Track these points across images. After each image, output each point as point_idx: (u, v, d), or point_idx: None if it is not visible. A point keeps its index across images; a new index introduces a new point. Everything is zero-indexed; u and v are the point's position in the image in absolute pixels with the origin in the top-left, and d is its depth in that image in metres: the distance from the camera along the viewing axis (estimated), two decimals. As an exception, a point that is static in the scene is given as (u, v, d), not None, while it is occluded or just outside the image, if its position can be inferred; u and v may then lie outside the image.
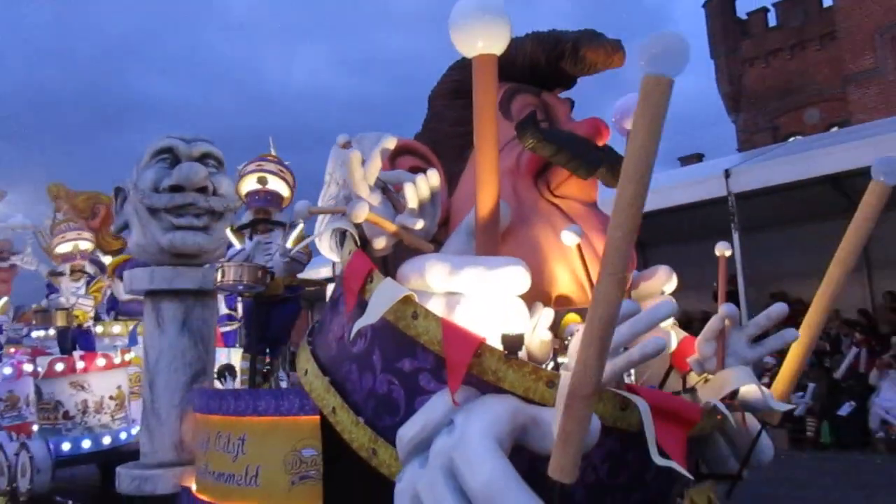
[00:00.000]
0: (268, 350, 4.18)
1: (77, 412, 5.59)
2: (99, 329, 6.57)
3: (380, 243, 2.84)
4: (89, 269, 6.54)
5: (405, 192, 2.81)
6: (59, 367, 5.53)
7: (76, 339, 6.03)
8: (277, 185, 4.02)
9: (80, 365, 5.60)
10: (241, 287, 3.65)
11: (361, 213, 2.67)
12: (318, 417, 2.87)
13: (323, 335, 3.02)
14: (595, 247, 3.04)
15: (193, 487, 3.52)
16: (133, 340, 6.44)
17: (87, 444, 5.58)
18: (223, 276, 3.53)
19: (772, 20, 25.39)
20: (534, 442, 2.27)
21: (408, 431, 2.36)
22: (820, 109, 23.19)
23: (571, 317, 3.02)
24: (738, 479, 2.78)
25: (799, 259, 8.72)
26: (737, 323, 2.88)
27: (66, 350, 6.01)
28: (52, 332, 6.40)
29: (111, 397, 5.80)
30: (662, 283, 3.46)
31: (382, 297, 2.48)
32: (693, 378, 3.12)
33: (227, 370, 4.72)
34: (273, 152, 4.31)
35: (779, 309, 2.89)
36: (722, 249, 3.07)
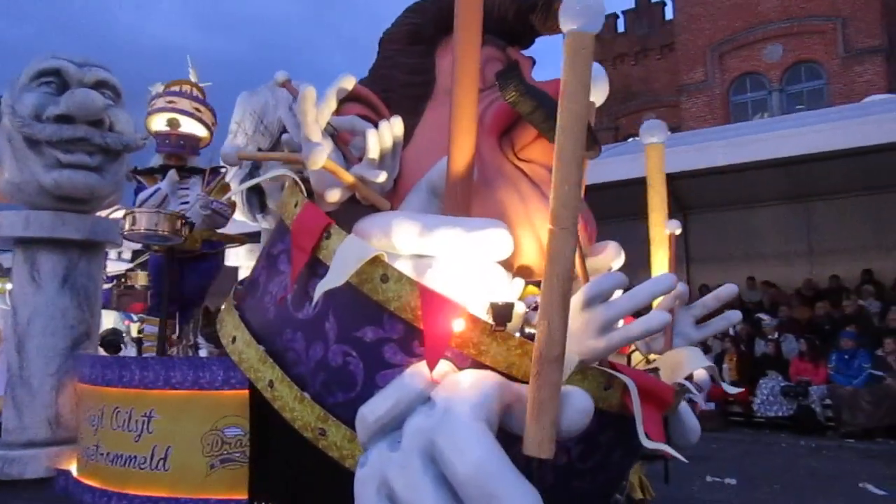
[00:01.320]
0: (177, 313, 3.72)
1: None
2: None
3: (332, 196, 2.57)
4: None
5: (367, 139, 2.58)
6: None
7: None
8: (192, 126, 3.55)
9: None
10: (155, 238, 3.19)
11: (320, 158, 2.39)
12: (246, 392, 2.58)
13: (255, 297, 2.70)
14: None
15: (74, 471, 3.07)
16: (-4, 297, 5.64)
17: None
18: (133, 224, 3.06)
19: (620, 26, 27.88)
20: (517, 424, 2.11)
21: (374, 409, 2.13)
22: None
23: (531, 289, 2.89)
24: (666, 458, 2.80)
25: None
26: (685, 303, 2.89)
27: None
28: None
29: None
30: (611, 259, 3.40)
31: (348, 256, 2.23)
32: (637, 357, 3.10)
33: (114, 335, 4.20)
34: (192, 77, 3.78)
35: (728, 290, 2.94)
36: (673, 228, 3.05)
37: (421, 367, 2.13)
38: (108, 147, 3.50)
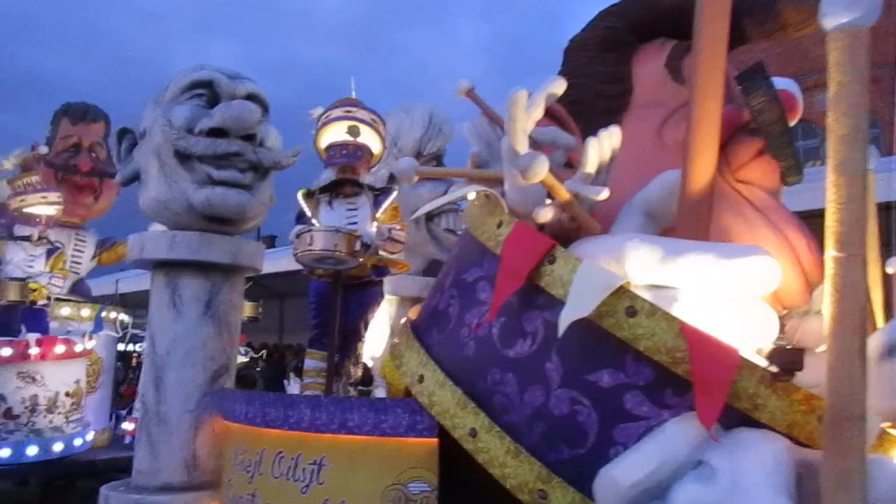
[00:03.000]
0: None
1: (24, 410, 4.76)
2: (64, 311, 5.72)
3: (543, 215, 2.33)
4: (51, 234, 5.67)
5: (587, 151, 2.36)
6: (6, 351, 4.70)
7: (25, 320, 5.18)
8: (370, 138, 3.39)
9: (33, 351, 4.77)
10: (329, 261, 3.01)
11: (542, 169, 2.15)
12: (434, 440, 2.33)
13: (446, 331, 2.48)
14: (794, 245, 2.60)
15: (217, 521, 2.87)
16: (99, 325, 5.63)
17: (32, 450, 4.78)
18: (310, 244, 2.88)
19: None
20: (809, 499, 1.77)
21: (628, 472, 1.84)
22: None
23: None
24: None
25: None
26: None
27: (11, 331, 5.15)
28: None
29: (67, 394, 5.02)
30: None
31: (592, 284, 1.97)
32: None
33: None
34: (354, 96, 3.65)
35: None
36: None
37: (687, 422, 1.82)
38: (259, 164, 3.38)
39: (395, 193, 3.51)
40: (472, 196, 2.77)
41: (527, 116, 2.37)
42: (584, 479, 1.96)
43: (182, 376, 3.32)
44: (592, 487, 1.91)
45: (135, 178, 3.53)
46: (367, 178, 3.47)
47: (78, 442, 5.10)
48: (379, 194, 3.44)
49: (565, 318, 1.89)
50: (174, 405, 3.29)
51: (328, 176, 3.51)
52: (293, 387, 3.29)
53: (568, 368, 2.06)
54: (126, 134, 3.62)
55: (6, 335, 5.03)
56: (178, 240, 3.31)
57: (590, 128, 2.84)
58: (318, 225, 3.00)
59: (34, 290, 5.15)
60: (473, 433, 2.18)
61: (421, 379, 2.41)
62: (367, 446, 2.41)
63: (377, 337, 5.27)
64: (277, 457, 2.60)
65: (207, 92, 3.40)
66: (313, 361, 3.46)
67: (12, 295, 5.04)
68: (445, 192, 3.36)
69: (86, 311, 6.37)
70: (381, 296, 3.85)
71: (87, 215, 6.65)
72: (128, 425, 6.21)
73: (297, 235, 3.05)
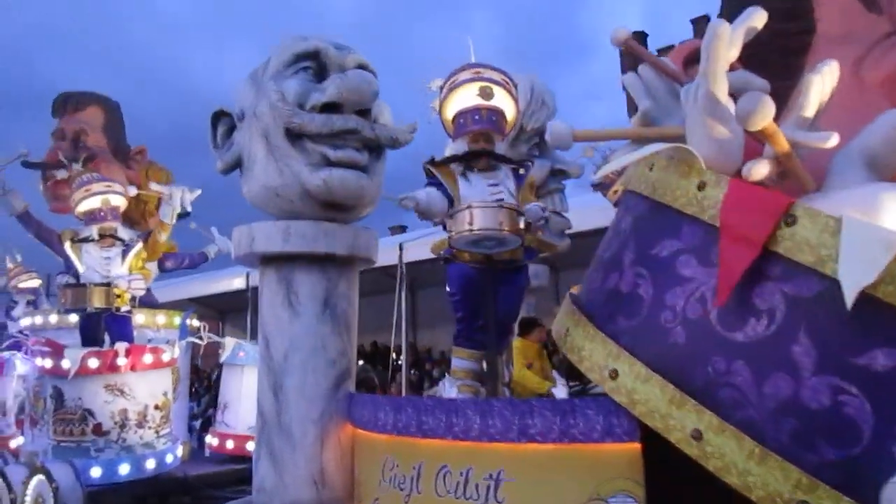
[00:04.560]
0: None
1: (113, 426, 4.64)
2: (139, 318, 5.60)
3: (758, 171, 2.03)
4: (123, 233, 5.53)
5: (808, 89, 2.01)
6: (94, 362, 4.59)
7: (109, 327, 5.05)
8: (504, 101, 3.12)
9: (122, 362, 4.64)
10: (489, 242, 2.76)
11: (770, 111, 1.84)
12: (636, 446, 2.05)
13: (639, 316, 2.22)
14: None
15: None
16: (184, 332, 5.50)
17: (124, 469, 4.68)
18: (470, 223, 2.63)
19: None
20: None
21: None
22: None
23: None
24: None
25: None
26: None
27: (95, 340, 5.04)
28: (71, 316, 5.41)
29: (157, 406, 4.91)
30: None
31: (867, 244, 1.65)
32: None
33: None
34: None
35: None
36: None
37: None
38: (377, 141, 3.14)
39: (534, 167, 3.23)
40: (637, 156, 2.48)
41: (728, 55, 2.09)
42: (861, 486, 1.68)
43: (304, 382, 3.12)
44: (880, 496, 1.61)
45: (236, 165, 3.33)
46: (501, 147, 3.20)
47: (169, 458, 4.99)
48: (517, 167, 3.17)
49: (852, 288, 1.59)
50: (297, 415, 3.09)
51: (457, 147, 3.23)
52: (450, 390, 3.05)
53: (825, 351, 1.77)
54: (222, 117, 3.43)
55: (90, 345, 4.93)
56: (292, 230, 3.10)
57: (768, 71, 2.57)
58: (474, 201, 2.73)
59: (118, 296, 5.03)
60: (698, 435, 1.91)
61: (614, 374, 2.14)
62: (555, 456, 2.16)
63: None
64: (441, 471, 2.36)
65: (314, 64, 3.18)
66: (462, 361, 3.21)
67: (97, 301, 4.92)
68: None
69: (161, 318, 6.28)
70: (528, 282, 3.57)
71: (68, 209, 6.37)
72: (211, 439, 6.10)
73: (451, 215, 2.78)
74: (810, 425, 1.77)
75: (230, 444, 5.81)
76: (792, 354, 1.81)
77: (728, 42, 2.05)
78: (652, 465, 2.09)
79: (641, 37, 34.70)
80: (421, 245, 8.63)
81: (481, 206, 2.69)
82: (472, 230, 2.65)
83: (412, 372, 10.83)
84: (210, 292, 14.18)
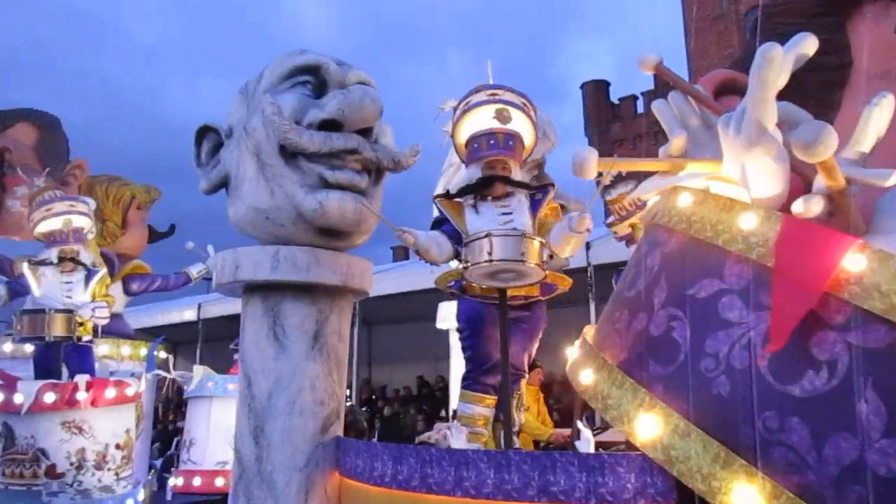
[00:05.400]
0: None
1: (69, 467, 4.39)
2: (102, 349, 5.36)
3: (813, 207, 1.92)
4: (85, 257, 5.30)
5: (866, 123, 1.94)
6: (49, 397, 4.34)
7: (68, 358, 4.82)
8: (522, 124, 3.00)
9: (82, 396, 4.40)
10: (508, 275, 2.61)
11: (834, 142, 1.77)
12: (674, 509, 1.90)
13: (674, 361, 2.06)
14: None
15: None
16: (152, 364, 5.28)
17: (79, 515, 4.37)
18: (489, 252, 2.47)
19: (640, 107, 33.89)
20: None
21: None
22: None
23: None
24: None
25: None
26: None
27: (51, 372, 4.80)
28: (26, 346, 5.17)
29: (118, 445, 4.67)
30: None
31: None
32: None
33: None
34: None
35: None
36: None
37: None
38: (378, 163, 3.01)
39: (553, 191, 3.11)
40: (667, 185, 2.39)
41: (778, 82, 2.01)
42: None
43: (289, 426, 2.93)
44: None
45: (222, 184, 3.17)
46: (518, 174, 3.07)
47: (130, 503, 4.73)
48: (534, 193, 3.05)
49: None
50: (281, 462, 2.90)
51: (471, 174, 3.11)
52: (458, 437, 2.86)
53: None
54: (208, 133, 3.27)
55: (46, 377, 4.69)
56: (282, 257, 2.94)
57: (807, 104, 2.51)
58: (494, 229, 2.59)
59: (80, 324, 4.80)
60: None
61: (648, 427, 1.99)
62: (580, 518, 1.99)
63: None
64: (446, 533, 2.18)
65: (313, 79, 3.05)
66: (470, 406, 3.04)
67: (58, 329, 4.70)
68: None
69: (126, 349, 6.05)
70: (545, 321, 3.42)
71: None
72: (175, 479, 5.82)
73: (466, 244, 2.64)
74: (879, 495, 1.64)
75: (197, 482, 5.56)
76: (857, 413, 1.68)
77: (779, 68, 1.96)
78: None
79: (604, 85, 39.95)
80: (378, 279, 8.61)
81: (502, 233, 2.56)
82: (490, 260, 2.50)
83: (363, 409, 10.74)
84: (160, 323, 14.02)
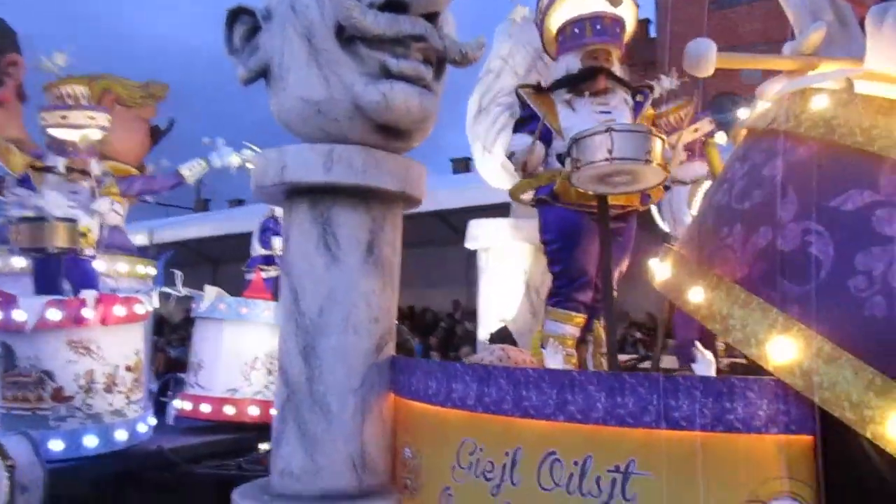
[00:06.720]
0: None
1: (77, 390, 4.29)
2: (102, 265, 5.23)
3: None
4: (95, 167, 5.11)
5: None
6: (55, 314, 4.21)
7: (69, 273, 4.69)
8: (628, 11, 2.79)
9: (89, 314, 4.27)
10: (622, 179, 2.47)
11: None
12: (808, 439, 1.83)
13: (814, 280, 1.93)
14: None
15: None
16: (160, 280, 5.15)
17: (91, 441, 4.36)
18: (609, 150, 2.30)
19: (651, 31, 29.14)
20: None
21: None
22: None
23: None
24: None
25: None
26: None
27: (53, 288, 4.67)
28: (20, 260, 5.03)
29: (128, 368, 4.57)
30: None
31: None
32: None
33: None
34: None
35: None
36: None
37: None
38: (444, 54, 2.82)
39: (655, 93, 2.93)
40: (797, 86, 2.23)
41: None
42: None
43: (343, 344, 2.84)
44: None
45: (262, 73, 2.97)
46: (618, 68, 2.88)
47: (142, 428, 4.68)
48: (636, 92, 2.87)
49: None
50: (334, 383, 2.82)
51: (568, 65, 2.90)
52: (555, 357, 2.75)
53: None
54: (241, 15, 3.05)
55: (48, 293, 4.55)
56: (336, 156, 2.78)
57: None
58: (614, 123, 2.42)
59: (83, 235, 4.65)
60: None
61: (784, 350, 1.89)
62: (704, 446, 1.91)
63: (510, 294, 4.76)
64: (547, 459, 2.10)
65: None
66: (559, 325, 2.93)
67: (60, 240, 4.54)
68: None
69: (123, 266, 5.91)
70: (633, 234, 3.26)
71: None
72: (182, 403, 5.74)
73: (577, 140, 2.46)
74: None
75: (206, 409, 5.47)
76: None
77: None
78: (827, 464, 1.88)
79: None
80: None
81: (626, 129, 2.39)
82: (611, 159, 2.34)
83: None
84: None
